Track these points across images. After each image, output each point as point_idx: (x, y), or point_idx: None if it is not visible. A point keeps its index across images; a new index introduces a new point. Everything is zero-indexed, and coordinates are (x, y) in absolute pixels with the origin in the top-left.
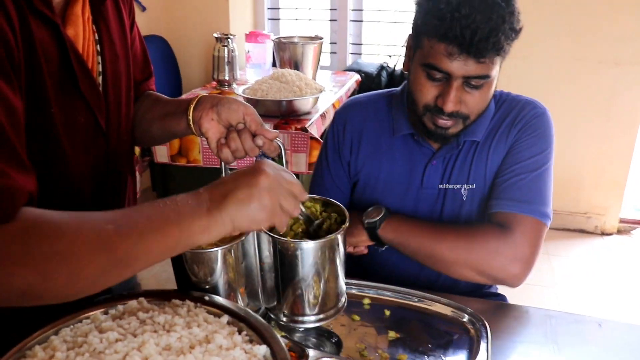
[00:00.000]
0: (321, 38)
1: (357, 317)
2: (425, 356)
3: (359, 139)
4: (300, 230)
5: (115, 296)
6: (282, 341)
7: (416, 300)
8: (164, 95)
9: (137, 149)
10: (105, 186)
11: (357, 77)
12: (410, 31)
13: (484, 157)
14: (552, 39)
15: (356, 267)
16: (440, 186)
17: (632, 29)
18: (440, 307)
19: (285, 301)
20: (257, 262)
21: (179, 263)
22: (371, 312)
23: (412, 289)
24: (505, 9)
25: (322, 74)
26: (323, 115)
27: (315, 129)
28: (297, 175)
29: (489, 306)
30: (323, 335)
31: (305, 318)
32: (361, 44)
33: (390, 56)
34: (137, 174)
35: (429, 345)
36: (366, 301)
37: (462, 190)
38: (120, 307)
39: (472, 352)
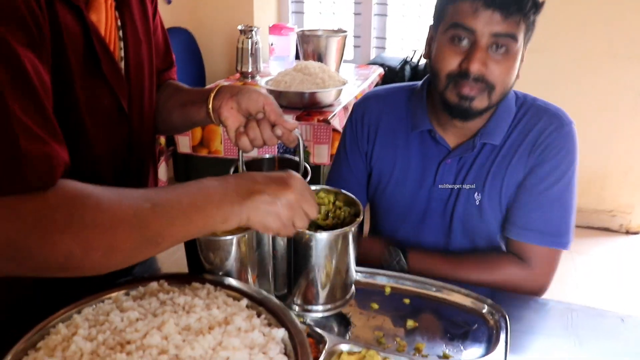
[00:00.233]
0: (345, 31)
1: (375, 306)
2: (444, 345)
3: (376, 132)
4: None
5: (136, 278)
6: (301, 327)
7: (436, 290)
8: (184, 85)
9: (162, 140)
10: (127, 173)
11: (380, 70)
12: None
13: (503, 169)
14: (579, 33)
15: None
16: (453, 186)
17: None
18: (460, 297)
19: (296, 290)
20: (270, 251)
21: (193, 249)
22: (390, 301)
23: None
24: None
25: (346, 67)
26: (346, 108)
27: (338, 121)
28: (318, 166)
29: (508, 298)
30: (341, 322)
31: (315, 307)
32: (385, 38)
33: (414, 51)
34: (164, 163)
35: (448, 335)
36: (386, 290)
37: (476, 195)
38: (141, 289)
39: (491, 343)
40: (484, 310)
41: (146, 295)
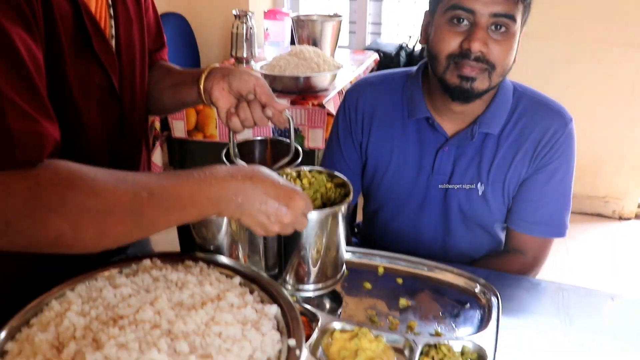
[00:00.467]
0: (340, 16)
1: (369, 285)
2: (436, 324)
3: (371, 121)
4: None
5: (129, 257)
6: (294, 304)
7: (428, 269)
8: (176, 66)
9: (157, 125)
10: (119, 154)
11: (375, 56)
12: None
13: (508, 162)
14: (577, 20)
15: (366, 240)
16: (452, 175)
17: None
18: (453, 276)
19: (287, 269)
20: None
21: (184, 227)
22: (383, 280)
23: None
24: None
25: (341, 53)
26: (340, 92)
27: (333, 105)
28: (313, 150)
29: (501, 278)
30: (334, 302)
31: (306, 286)
32: (380, 24)
33: (409, 36)
34: (159, 148)
35: (440, 314)
36: (379, 270)
37: (479, 185)
38: (134, 266)
39: (483, 322)
40: (476, 290)
41: (139, 272)
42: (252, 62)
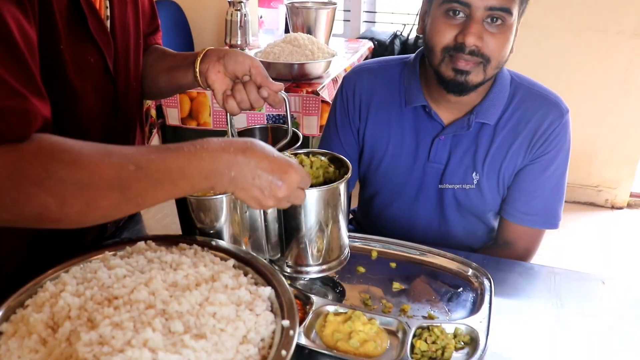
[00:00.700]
0: (334, 3)
1: (362, 269)
2: (429, 307)
3: (368, 106)
4: None
5: (124, 240)
6: (288, 286)
7: (422, 254)
8: (170, 49)
9: (153, 112)
10: (113, 134)
11: (369, 44)
12: None
13: (503, 152)
14: (570, 9)
15: (361, 227)
16: (447, 163)
17: None
18: (446, 261)
19: (289, 251)
20: (261, 213)
21: (184, 209)
22: (377, 265)
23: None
24: None
25: (335, 41)
26: (335, 80)
27: (327, 92)
28: (307, 137)
29: (493, 262)
30: (328, 285)
31: (309, 268)
32: (375, 12)
33: (404, 25)
34: (157, 135)
35: (433, 297)
36: (373, 254)
37: (474, 174)
38: (129, 249)
39: (476, 304)
40: (469, 273)
41: (133, 254)
42: (247, 50)
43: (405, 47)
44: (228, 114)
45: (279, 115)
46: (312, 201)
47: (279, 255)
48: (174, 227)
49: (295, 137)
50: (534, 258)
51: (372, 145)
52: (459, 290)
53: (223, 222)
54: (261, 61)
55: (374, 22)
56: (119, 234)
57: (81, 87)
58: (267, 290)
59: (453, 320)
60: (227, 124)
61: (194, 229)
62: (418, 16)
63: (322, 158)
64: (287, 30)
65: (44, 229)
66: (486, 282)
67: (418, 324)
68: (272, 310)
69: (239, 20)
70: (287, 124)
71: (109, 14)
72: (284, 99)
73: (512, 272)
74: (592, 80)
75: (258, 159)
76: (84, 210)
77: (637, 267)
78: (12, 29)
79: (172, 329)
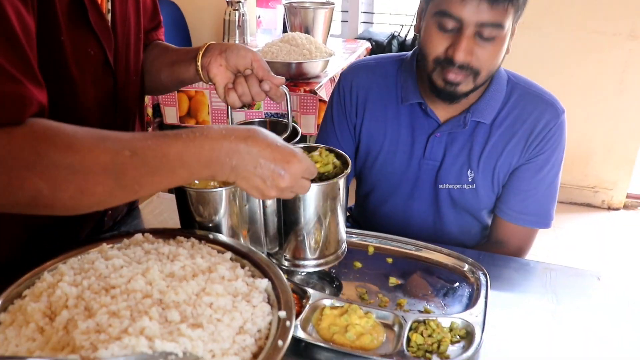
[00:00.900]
0: (332, 3)
1: (359, 264)
2: (425, 302)
3: (365, 104)
4: None
5: (121, 233)
6: (285, 279)
7: (418, 249)
8: (172, 45)
9: (149, 111)
10: (113, 127)
11: (367, 45)
12: None
13: (499, 151)
14: (567, 11)
15: (357, 223)
16: (442, 161)
17: None
18: (442, 256)
19: (287, 245)
20: (260, 206)
21: (184, 202)
22: (374, 260)
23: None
24: None
25: (333, 42)
26: (332, 79)
27: (325, 91)
28: (305, 136)
29: (489, 258)
30: (325, 279)
31: (306, 262)
32: (373, 13)
33: (401, 26)
34: None
35: (429, 292)
36: (370, 249)
37: (469, 172)
38: (126, 241)
39: (472, 299)
40: (465, 269)
41: (131, 246)
42: None
43: (403, 48)
44: (229, 107)
45: (277, 113)
46: (312, 195)
47: (278, 248)
48: (172, 222)
49: (294, 131)
50: (529, 256)
51: (368, 141)
52: (455, 285)
53: (222, 214)
54: None
55: (372, 22)
56: (116, 228)
57: (81, 79)
58: (264, 282)
59: (449, 314)
60: (228, 117)
61: (192, 222)
62: (416, 13)
63: (319, 151)
64: (285, 31)
65: (42, 224)
66: (482, 277)
67: (414, 317)
68: (269, 302)
69: (237, 20)
70: (288, 118)
71: (110, 7)
72: (285, 93)
73: (508, 267)
74: (589, 81)
75: (260, 147)
76: (78, 196)
77: (633, 267)
78: (11, 17)
79: (168, 318)
